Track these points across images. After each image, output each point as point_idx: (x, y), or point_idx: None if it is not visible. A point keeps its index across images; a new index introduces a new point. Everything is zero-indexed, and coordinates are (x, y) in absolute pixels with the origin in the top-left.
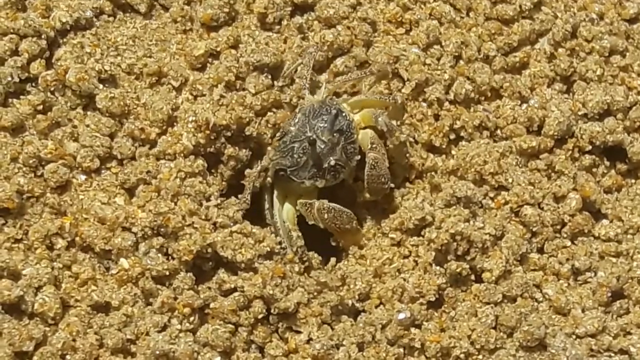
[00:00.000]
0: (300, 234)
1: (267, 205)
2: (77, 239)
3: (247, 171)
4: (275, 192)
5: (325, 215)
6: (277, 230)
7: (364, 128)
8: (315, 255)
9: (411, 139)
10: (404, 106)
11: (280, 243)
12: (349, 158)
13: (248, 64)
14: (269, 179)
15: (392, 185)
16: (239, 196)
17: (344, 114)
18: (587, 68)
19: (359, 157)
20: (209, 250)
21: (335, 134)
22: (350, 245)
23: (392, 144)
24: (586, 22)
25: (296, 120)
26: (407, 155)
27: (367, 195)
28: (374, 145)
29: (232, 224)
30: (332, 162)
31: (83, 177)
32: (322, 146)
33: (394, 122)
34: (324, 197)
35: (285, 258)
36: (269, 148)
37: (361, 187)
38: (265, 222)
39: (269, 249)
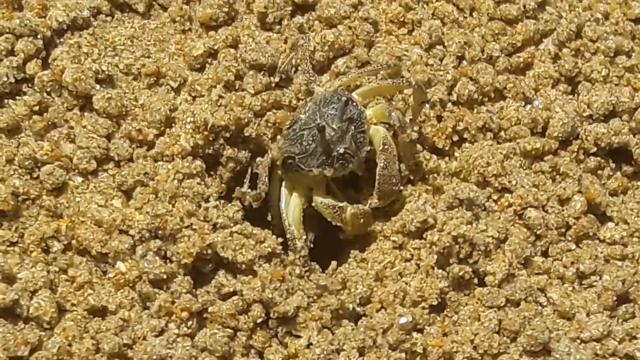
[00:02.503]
0: (304, 244)
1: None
2: (74, 242)
3: (259, 159)
4: (284, 183)
5: (362, 220)
6: (280, 222)
7: (376, 124)
8: (317, 266)
9: (416, 136)
10: (422, 86)
11: (282, 243)
12: (359, 147)
13: (245, 62)
14: (278, 170)
15: (402, 188)
16: (258, 183)
17: (354, 103)
18: (592, 69)
19: (369, 148)
20: (209, 251)
21: (345, 122)
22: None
23: (402, 141)
24: (591, 22)
25: (307, 109)
26: (416, 155)
27: (376, 200)
28: (385, 147)
29: (232, 225)
30: (341, 150)
31: (79, 179)
32: (332, 133)
33: (407, 119)
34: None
35: (287, 260)
36: (278, 137)
37: (366, 195)
38: (267, 219)
39: (270, 250)
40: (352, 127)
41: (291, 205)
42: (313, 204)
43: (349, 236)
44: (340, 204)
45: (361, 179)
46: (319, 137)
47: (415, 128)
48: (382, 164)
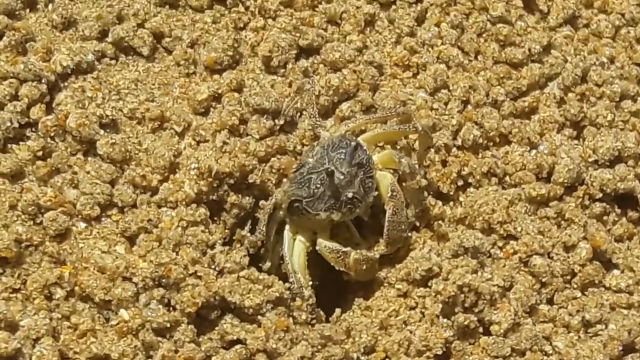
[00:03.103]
0: (312, 292)
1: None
2: (77, 288)
3: (262, 203)
4: (287, 227)
5: (364, 267)
6: (278, 267)
7: (381, 170)
8: (321, 312)
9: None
10: (428, 132)
11: (289, 289)
12: (367, 192)
13: (250, 106)
14: (280, 212)
15: (410, 234)
16: (256, 229)
17: (363, 148)
18: (598, 113)
19: (376, 193)
20: (216, 297)
21: (354, 167)
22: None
23: (411, 188)
24: (596, 66)
25: (314, 152)
26: (423, 202)
27: (383, 247)
28: (394, 193)
29: (239, 269)
30: (350, 195)
31: (83, 225)
32: (341, 177)
33: (416, 165)
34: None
35: (294, 305)
36: (284, 180)
37: (372, 242)
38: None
39: (277, 295)
40: (361, 172)
41: (295, 251)
42: (317, 248)
43: (352, 279)
44: (344, 249)
45: (365, 225)
46: (327, 181)
47: (422, 173)
48: (391, 211)
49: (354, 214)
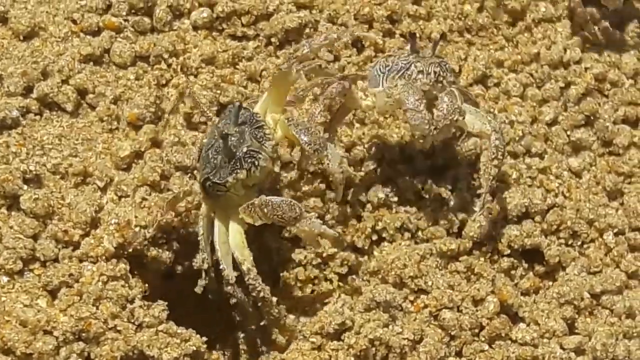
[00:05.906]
0: (252, 264)
1: (201, 231)
2: None
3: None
4: (216, 216)
5: (265, 210)
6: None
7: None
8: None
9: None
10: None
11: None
12: (261, 142)
13: (171, 163)
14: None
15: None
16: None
17: (245, 107)
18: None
19: (274, 142)
20: (135, 351)
21: (240, 125)
22: (312, 242)
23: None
24: (505, 124)
25: (208, 133)
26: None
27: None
28: (289, 120)
29: (157, 324)
30: (245, 149)
31: (5, 279)
32: (233, 139)
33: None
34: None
35: (210, 358)
36: (195, 171)
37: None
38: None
39: (194, 348)
40: (248, 126)
41: (231, 233)
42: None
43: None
44: (250, 202)
45: None
46: (221, 148)
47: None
48: (292, 121)
49: (259, 167)
